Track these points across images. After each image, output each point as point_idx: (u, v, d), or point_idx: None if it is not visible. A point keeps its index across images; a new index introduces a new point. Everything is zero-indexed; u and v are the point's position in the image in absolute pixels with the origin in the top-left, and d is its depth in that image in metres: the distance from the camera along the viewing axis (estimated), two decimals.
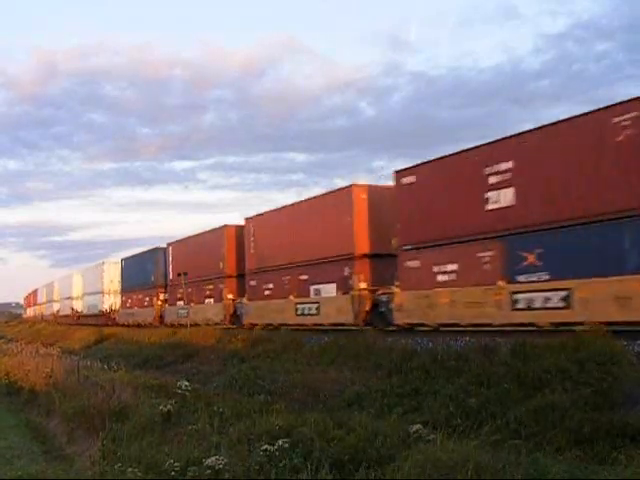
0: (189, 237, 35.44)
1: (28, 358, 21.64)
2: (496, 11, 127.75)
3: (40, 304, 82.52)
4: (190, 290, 33.06)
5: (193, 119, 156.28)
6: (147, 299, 40.43)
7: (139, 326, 38.90)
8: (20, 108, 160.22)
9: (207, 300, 32.03)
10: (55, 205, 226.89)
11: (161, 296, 38.24)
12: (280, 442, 7.54)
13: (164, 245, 39.05)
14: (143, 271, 41.03)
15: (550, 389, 9.80)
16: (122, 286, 46.55)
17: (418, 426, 8.29)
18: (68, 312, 60.83)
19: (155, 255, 39.43)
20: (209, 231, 32.46)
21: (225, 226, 30.51)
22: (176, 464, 7.33)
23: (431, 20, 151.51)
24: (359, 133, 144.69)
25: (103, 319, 47.95)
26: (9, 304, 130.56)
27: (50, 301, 73.45)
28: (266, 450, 7.40)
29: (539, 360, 11.07)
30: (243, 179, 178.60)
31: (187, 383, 12.52)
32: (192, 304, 32.95)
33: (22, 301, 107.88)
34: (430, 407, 10.79)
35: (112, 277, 49.01)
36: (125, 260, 46.78)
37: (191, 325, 30.53)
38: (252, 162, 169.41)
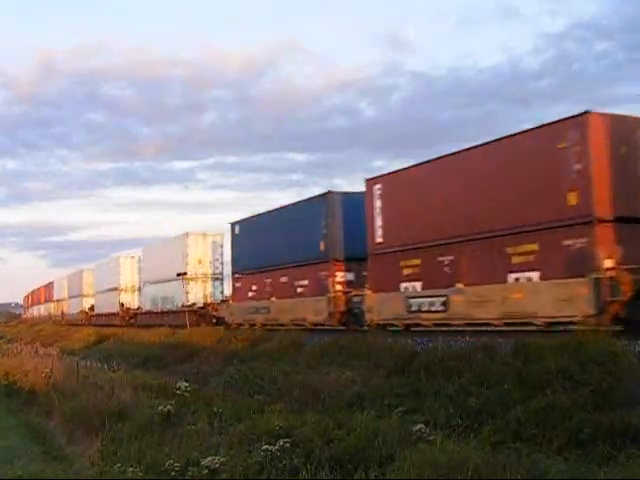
0: (438, 158, 18.49)
1: (27, 358, 21.62)
2: (496, 11, 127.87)
3: (58, 300, 66.48)
4: (450, 259, 17.36)
5: (192, 119, 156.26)
6: (304, 283, 24.23)
7: (280, 327, 24.36)
8: (19, 108, 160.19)
9: (515, 275, 15.74)
10: (55, 205, 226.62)
11: (339, 276, 22.58)
12: (281, 442, 7.53)
13: (342, 189, 23.73)
14: (292, 236, 24.98)
15: (551, 389, 9.78)
16: (235, 265, 30.23)
17: (420, 426, 8.29)
18: (111, 309, 46.49)
19: (323, 207, 23.10)
20: (520, 134, 16.09)
21: (586, 115, 14.39)
22: (176, 464, 7.32)
23: (431, 20, 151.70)
24: (359, 133, 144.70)
25: (188, 318, 32.49)
26: (8, 304, 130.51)
27: (77, 296, 57.66)
28: (266, 450, 7.39)
29: (540, 360, 11.05)
30: (242, 179, 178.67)
31: (186, 384, 12.51)
32: (460, 285, 16.85)
33: (22, 301, 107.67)
34: (430, 407, 10.77)
35: (200, 255, 34.80)
36: (242, 224, 29.72)
37: (473, 325, 16.58)
38: (252, 162, 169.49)
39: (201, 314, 33.51)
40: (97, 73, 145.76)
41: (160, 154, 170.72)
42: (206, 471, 7.04)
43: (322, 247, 23.10)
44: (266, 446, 7.50)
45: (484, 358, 12.24)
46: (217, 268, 35.53)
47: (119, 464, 7.69)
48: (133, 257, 45.50)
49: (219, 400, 11.89)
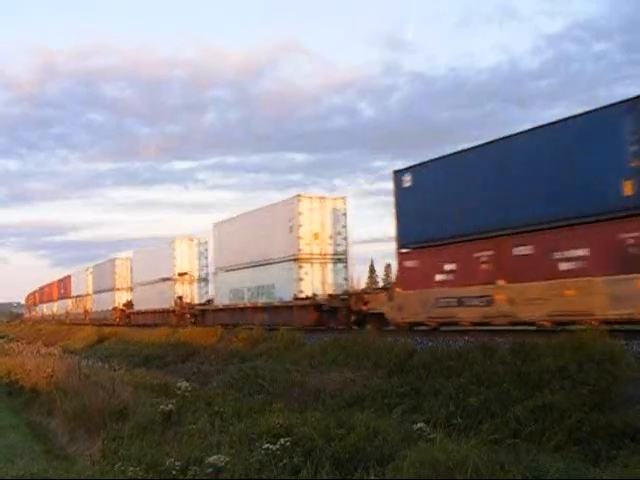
0: None
1: (29, 358, 21.69)
2: (495, 11, 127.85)
3: (78, 296, 57.81)
4: None
5: (192, 119, 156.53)
6: (579, 254, 14.66)
7: (518, 326, 16.13)
8: (19, 108, 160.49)
9: None
10: (55, 205, 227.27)
11: None
12: (282, 441, 7.58)
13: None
14: (548, 177, 15.54)
15: (549, 389, 9.83)
16: (403, 235, 19.55)
17: (421, 424, 8.33)
18: (160, 305, 37.45)
19: (630, 121, 13.76)
20: None
21: None
22: (177, 463, 7.37)
23: (430, 20, 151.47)
24: (359, 133, 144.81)
25: (302, 315, 23.94)
26: (10, 304, 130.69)
27: (107, 290, 48.56)
28: (267, 449, 7.44)
29: (539, 360, 11.10)
30: (242, 179, 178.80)
31: (187, 384, 12.56)
32: None
33: (23, 301, 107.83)
34: (430, 406, 10.81)
35: (317, 228, 25.14)
36: (420, 170, 19.26)
37: None
38: (251, 162, 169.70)
39: (328, 309, 23.23)
40: (97, 73, 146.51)
41: (160, 154, 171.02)
42: (211, 469, 7.09)
43: (627, 190, 13.94)
44: (267, 445, 7.55)
45: (483, 358, 12.28)
46: (340, 245, 25.69)
47: (120, 463, 7.75)
48: (192, 240, 37.02)
49: (220, 399, 11.94)
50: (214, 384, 15.84)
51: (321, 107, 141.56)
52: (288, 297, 25.30)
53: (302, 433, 8.04)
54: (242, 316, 28.25)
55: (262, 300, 27.18)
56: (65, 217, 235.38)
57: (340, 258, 25.70)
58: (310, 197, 25.47)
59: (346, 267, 25.85)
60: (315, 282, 25.00)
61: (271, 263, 26.61)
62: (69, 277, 63.31)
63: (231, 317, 29.28)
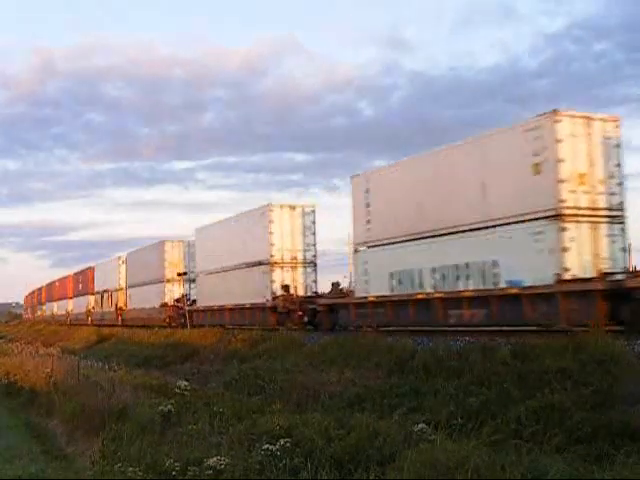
0: None
1: (28, 358, 21.68)
2: (494, 11, 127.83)
3: (104, 292, 49.39)
4: None
5: (192, 119, 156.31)
6: None
7: None
8: (19, 108, 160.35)
9: None
10: (55, 205, 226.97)
11: None
12: (282, 441, 7.56)
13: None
14: None
15: (550, 389, 9.80)
16: None
17: (422, 425, 8.30)
18: (247, 300, 28.14)
19: None
20: None
21: None
22: (176, 464, 7.34)
23: (430, 20, 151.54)
24: (359, 133, 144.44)
25: (577, 309, 14.41)
26: (9, 304, 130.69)
27: (149, 282, 39.40)
28: (267, 450, 7.41)
29: (539, 360, 11.08)
30: (242, 179, 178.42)
31: (186, 383, 12.54)
32: None
33: (22, 301, 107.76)
34: (430, 407, 10.78)
35: (578, 166, 15.61)
36: None
37: None
38: (251, 162, 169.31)
39: None
40: (96, 73, 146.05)
41: (160, 154, 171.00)
42: (210, 471, 7.06)
43: None
44: (267, 446, 7.52)
45: (484, 358, 12.26)
46: (614, 195, 16.30)
47: (119, 464, 7.71)
48: (294, 207, 28.04)
49: (219, 400, 11.92)
50: (214, 384, 15.82)
51: (321, 107, 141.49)
52: (534, 280, 15.71)
53: (302, 434, 8.01)
54: (420, 313, 19.05)
55: (471, 286, 17.49)
56: (65, 217, 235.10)
57: (614, 215, 16.13)
58: (571, 115, 15.95)
59: (623, 230, 16.25)
60: (584, 254, 15.43)
61: (490, 227, 16.97)
62: (91, 269, 54.08)
63: (397, 316, 19.93)
